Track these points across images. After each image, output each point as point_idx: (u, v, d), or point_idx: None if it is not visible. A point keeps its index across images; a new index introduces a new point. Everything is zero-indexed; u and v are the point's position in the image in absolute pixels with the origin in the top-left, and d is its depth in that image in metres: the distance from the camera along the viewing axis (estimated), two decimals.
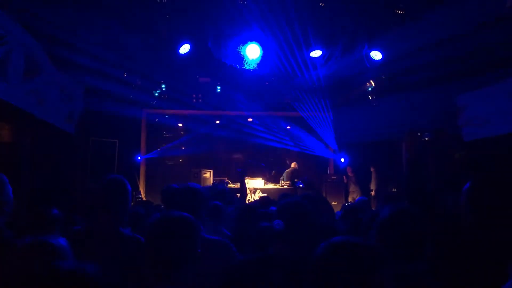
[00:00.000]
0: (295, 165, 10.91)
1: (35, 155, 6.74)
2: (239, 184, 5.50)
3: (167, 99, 10.35)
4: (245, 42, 7.74)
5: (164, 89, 10.08)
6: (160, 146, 11.52)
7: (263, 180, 10.59)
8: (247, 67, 8.08)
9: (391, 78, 8.68)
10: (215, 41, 7.79)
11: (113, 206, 2.16)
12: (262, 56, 7.94)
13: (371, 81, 9.32)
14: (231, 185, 9.46)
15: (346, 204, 7.90)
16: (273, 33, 7.48)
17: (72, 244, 2.01)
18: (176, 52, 7.96)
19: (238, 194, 5.54)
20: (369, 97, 9.63)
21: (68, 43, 6.36)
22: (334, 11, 7.17)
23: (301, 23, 7.26)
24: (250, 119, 11.61)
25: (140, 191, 10.13)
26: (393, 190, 9.33)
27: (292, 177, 10.42)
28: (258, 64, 8.05)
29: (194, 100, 10.52)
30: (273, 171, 11.33)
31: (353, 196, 9.97)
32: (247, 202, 6.93)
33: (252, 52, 7.85)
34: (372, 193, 9.87)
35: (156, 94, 10.21)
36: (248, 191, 8.46)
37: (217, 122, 11.94)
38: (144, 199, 9.45)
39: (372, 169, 10.10)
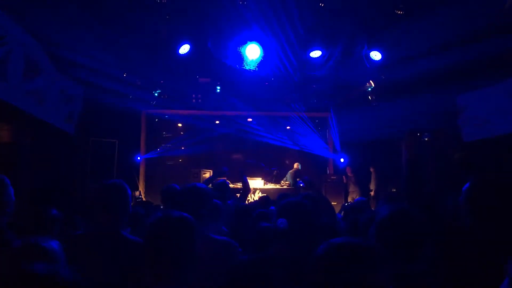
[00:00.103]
0: (297, 165, 10.92)
1: (35, 155, 6.74)
2: (239, 184, 5.47)
3: (167, 99, 10.35)
4: (245, 42, 7.74)
5: (163, 89, 10.08)
6: (159, 146, 11.52)
7: (263, 181, 10.60)
8: (247, 68, 8.09)
9: (391, 78, 8.68)
10: (215, 41, 7.79)
11: (113, 209, 2.17)
12: (262, 57, 7.94)
13: (370, 81, 9.33)
14: (231, 185, 9.45)
15: (346, 204, 7.91)
16: (273, 34, 7.48)
17: (72, 247, 2.02)
18: (176, 52, 7.96)
19: (238, 195, 5.52)
20: (369, 97, 9.64)
21: (68, 43, 6.36)
22: (333, 11, 7.17)
23: (300, 23, 7.27)
24: (249, 119, 11.61)
25: (140, 192, 10.14)
26: (393, 190, 9.33)
27: (294, 178, 10.45)
28: (258, 64, 8.05)
29: (194, 100, 10.52)
30: (275, 171, 11.33)
31: (353, 196, 9.97)
32: (247, 202, 6.91)
33: (252, 52, 7.85)
34: (372, 193, 9.88)
35: (156, 94, 10.21)
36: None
37: (217, 122, 11.95)
38: (143, 199, 9.45)
39: (371, 169, 10.11)
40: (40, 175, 6.67)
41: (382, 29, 7.40)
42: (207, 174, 10.42)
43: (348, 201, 9.85)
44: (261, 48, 7.85)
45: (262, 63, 8.10)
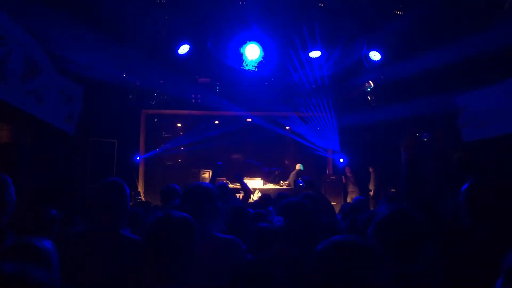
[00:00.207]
0: (299, 166, 10.93)
1: (35, 155, 6.74)
2: (239, 184, 5.45)
3: (166, 99, 10.35)
4: (244, 42, 7.74)
5: (163, 89, 10.08)
6: (159, 146, 11.52)
7: (262, 181, 10.60)
8: (247, 68, 8.09)
9: (390, 78, 8.69)
10: (214, 42, 7.79)
11: (112, 208, 2.17)
12: (262, 57, 7.94)
13: (370, 81, 9.33)
14: (230, 185, 9.46)
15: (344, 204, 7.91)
16: (272, 34, 7.49)
17: (72, 246, 2.01)
18: (176, 52, 7.96)
19: (238, 195, 5.52)
20: (368, 97, 9.64)
21: (68, 43, 6.36)
22: (333, 11, 7.17)
23: (300, 23, 7.28)
24: (249, 120, 11.62)
25: (139, 192, 10.13)
26: (392, 190, 9.34)
27: (296, 179, 10.45)
28: (257, 64, 8.05)
29: (193, 100, 10.52)
30: (277, 171, 11.32)
31: (352, 196, 9.97)
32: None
33: (252, 52, 7.85)
34: (371, 193, 9.88)
35: (155, 94, 10.21)
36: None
37: (216, 122, 11.95)
38: (143, 199, 9.44)
39: (371, 170, 10.11)
40: (40, 175, 6.66)
41: (382, 29, 7.41)
42: (207, 174, 10.42)
43: (347, 201, 9.86)
44: (261, 48, 7.85)
45: (261, 63, 8.10)
